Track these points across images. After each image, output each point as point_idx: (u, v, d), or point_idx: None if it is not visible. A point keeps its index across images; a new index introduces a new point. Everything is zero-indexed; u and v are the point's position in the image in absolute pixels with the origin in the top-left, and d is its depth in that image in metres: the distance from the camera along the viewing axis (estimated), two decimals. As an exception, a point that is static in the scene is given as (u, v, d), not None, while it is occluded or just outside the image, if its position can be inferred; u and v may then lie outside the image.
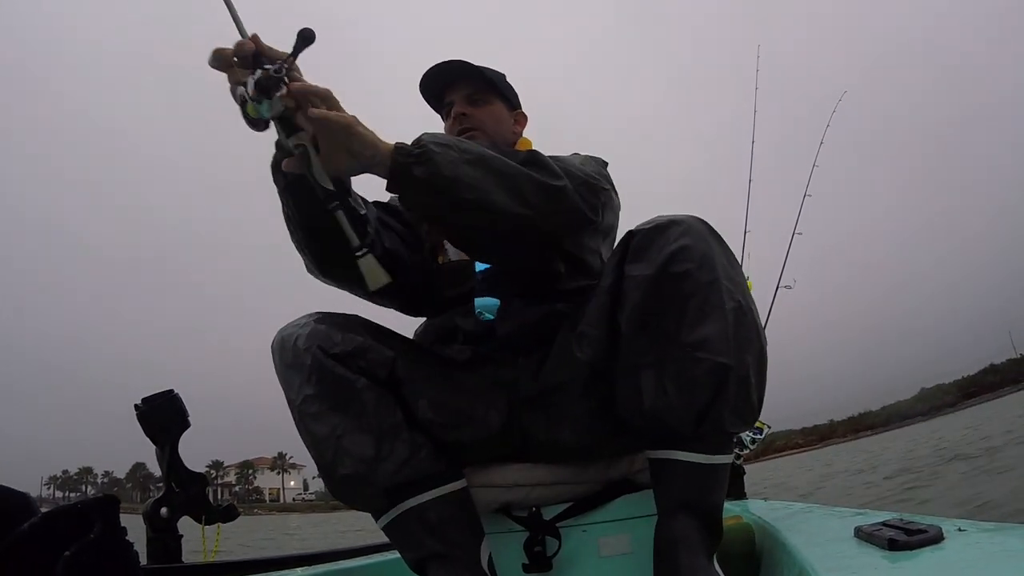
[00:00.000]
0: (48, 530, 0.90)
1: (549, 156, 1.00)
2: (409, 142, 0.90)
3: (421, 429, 0.99)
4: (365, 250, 0.87)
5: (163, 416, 1.73)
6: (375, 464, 0.93)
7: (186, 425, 1.77)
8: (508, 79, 1.28)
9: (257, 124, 0.83)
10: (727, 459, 0.92)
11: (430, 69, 1.22)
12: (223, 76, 0.83)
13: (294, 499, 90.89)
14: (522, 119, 1.31)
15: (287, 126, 0.84)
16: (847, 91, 3.61)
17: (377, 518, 0.99)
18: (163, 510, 1.67)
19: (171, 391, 1.75)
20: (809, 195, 3.19)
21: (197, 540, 1.75)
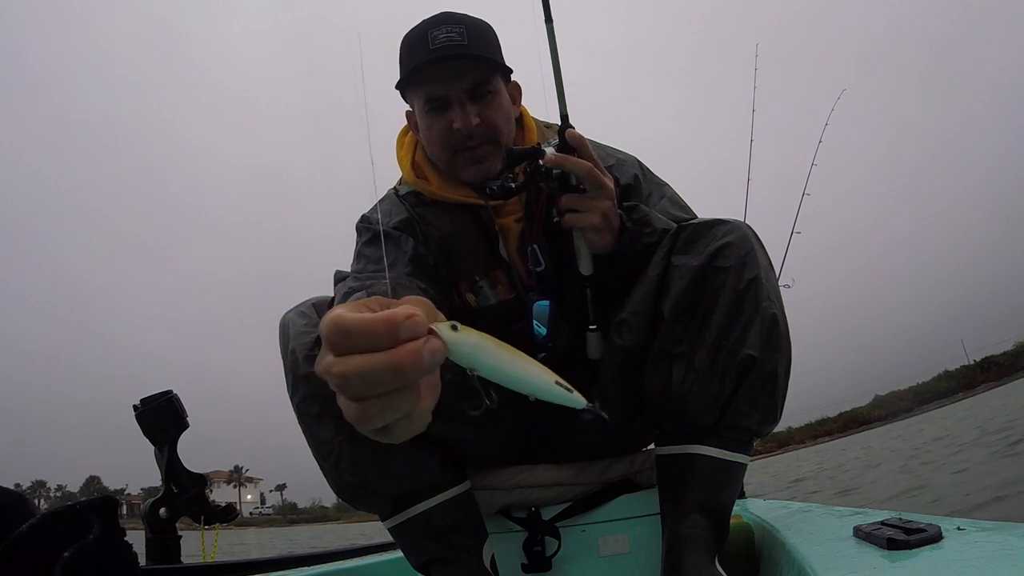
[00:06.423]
0: (47, 531, 0.90)
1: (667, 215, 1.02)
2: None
3: (429, 436, 0.95)
4: (596, 327, 0.98)
5: (162, 417, 1.73)
6: (380, 472, 0.91)
7: (185, 426, 1.77)
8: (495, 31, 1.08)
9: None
10: (744, 460, 0.92)
11: (422, 64, 0.99)
12: None
13: (251, 513, 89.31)
14: (517, 91, 1.12)
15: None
16: (845, 89, 3.59)
17: (383, 519, 0.98)
18: (162, 510, 1.67)
19: (169, 392, 1.75)
20: (808, 194, 3.18)
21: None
